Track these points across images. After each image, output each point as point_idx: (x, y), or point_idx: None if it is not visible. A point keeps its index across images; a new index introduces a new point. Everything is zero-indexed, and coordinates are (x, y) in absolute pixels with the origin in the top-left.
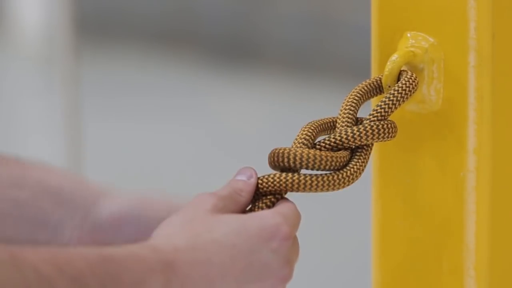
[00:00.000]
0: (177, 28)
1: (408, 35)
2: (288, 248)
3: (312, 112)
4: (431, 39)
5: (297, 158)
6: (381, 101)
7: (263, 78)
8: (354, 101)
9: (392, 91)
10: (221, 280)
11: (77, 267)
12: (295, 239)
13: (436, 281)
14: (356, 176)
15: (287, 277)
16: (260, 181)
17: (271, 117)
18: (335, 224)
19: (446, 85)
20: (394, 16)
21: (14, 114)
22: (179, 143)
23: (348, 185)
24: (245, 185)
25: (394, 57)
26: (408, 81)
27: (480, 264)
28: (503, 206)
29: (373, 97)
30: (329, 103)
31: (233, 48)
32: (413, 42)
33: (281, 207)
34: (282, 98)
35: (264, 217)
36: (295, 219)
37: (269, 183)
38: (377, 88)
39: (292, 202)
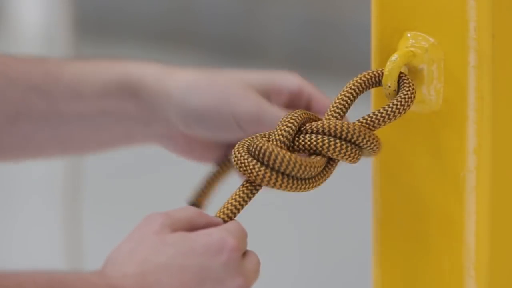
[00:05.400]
0: (177, 28)
1: (408, 35)
2: (238, 259)
3: None
4: (431, 39)
5: (277, 160)
6: (368, 116)
7: None
8: (345, 97)
9: (382, 109)
10: None
11: None
12: (250, 254)
13: (436, 281)
14: (318, 185)
15: (242, 287)
16: (236, 157)
17: None
18: (335, 224)
19: (446, 85)
20: (394, 16)
21: None
22: None
23: (309, 190)
24: (208, 223)
25: (394, 57)
26: (407, 100)
27: (480, 264)
28: (503, 206)
29: (372, 87)
30: None
31: (233, 48)
32: (413, 42)
33: (226, 225)
34: None
35: (210, 233)
36: (241, 233)
37: (244, 167)
38: (376, 83)
39: (237, 222)
